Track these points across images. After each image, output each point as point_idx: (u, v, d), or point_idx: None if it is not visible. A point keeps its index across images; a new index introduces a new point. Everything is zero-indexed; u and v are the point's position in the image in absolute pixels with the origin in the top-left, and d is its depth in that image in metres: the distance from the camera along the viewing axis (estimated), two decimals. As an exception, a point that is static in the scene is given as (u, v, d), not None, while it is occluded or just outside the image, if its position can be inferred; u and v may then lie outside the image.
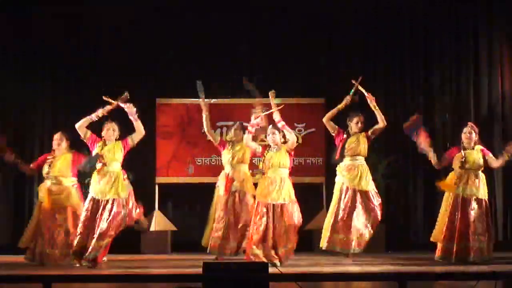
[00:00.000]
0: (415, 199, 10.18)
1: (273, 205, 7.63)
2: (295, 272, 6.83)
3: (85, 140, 7.87)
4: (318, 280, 6.00)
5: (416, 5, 10.28)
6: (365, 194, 8.01)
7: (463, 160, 7.91)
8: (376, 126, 8.10)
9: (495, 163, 8.03)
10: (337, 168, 8.16)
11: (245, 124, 8.48)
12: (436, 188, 8.22)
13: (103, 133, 7.85)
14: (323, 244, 8.00)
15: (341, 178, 8.09)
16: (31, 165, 8.35)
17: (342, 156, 8.10)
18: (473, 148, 8.00)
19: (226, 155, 8.50)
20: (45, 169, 8.15)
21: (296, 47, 10.26)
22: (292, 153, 7.83)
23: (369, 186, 8.04)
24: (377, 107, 8.07)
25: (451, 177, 8.03)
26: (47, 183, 8.16)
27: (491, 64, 10.04)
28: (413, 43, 10.33)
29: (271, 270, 5.06)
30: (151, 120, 10.04)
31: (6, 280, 5.26)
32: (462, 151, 7.99)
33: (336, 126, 8.19)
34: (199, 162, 10.16)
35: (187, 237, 9.94)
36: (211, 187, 9.91)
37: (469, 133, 8.00)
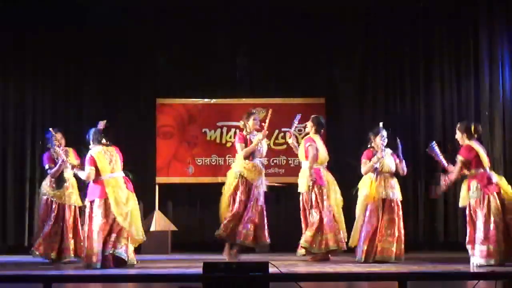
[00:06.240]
0: (415, 199, 10.17)
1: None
2: (295, 272, 6.84)
3: None
4: (318, 280, 5.99)
5: (416, 5, 10.27)
6: None
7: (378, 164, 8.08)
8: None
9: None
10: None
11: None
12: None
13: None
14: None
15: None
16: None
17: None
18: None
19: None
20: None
21: (296, 47, 10.27)
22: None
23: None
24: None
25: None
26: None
27: (491, 64, 10.03)
28: (413, 43, 10.32)
29: (271, 270, 5.05)
30: (151, 120, 10.06)
31: (6, 280, 5.25)
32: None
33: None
34: (199, 162, 10.16)
35: (187, 237, 9.95)
36: (211, 187, 9.92)
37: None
